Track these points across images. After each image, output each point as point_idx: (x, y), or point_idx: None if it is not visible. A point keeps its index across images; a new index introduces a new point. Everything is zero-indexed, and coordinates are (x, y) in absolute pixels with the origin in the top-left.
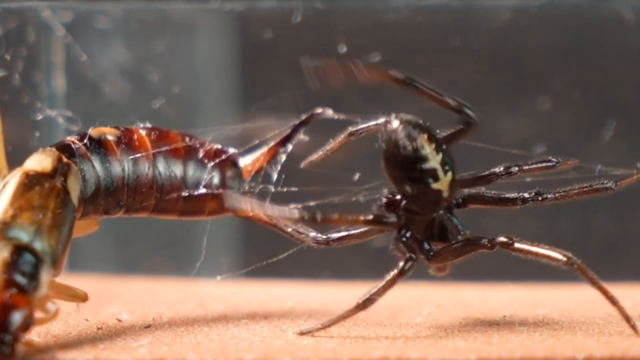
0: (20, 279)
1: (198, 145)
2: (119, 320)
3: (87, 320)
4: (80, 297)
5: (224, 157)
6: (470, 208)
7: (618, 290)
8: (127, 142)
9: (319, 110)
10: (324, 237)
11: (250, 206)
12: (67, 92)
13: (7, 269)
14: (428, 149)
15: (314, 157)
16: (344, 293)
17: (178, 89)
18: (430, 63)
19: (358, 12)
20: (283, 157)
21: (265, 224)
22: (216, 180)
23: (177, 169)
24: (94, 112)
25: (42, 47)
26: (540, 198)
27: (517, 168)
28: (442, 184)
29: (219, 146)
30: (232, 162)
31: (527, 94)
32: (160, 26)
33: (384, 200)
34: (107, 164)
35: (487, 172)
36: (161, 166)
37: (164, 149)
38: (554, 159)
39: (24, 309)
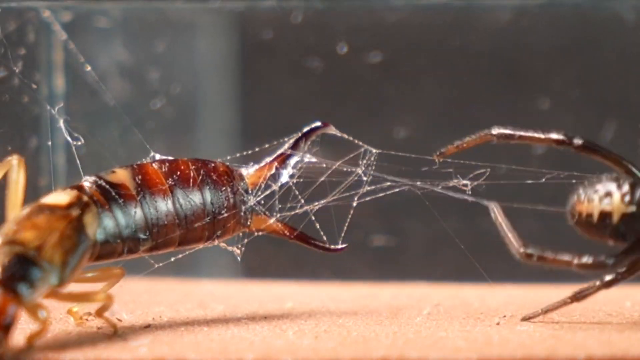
0: (15, 283)
1: (208, 167)
2: (119, 320)
3: (87, 320)
4: (100, 298)
5: (232, 171)
6: None
7: (618, 290)
8: (142, 180)
9: (319, 123)
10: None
11: None
12: (67, 92)
13: (3, 271)
14: (597, 206)
15: (445, 149)
16: (344, 293)
17: (178, 89)
18: (430, 63)
19: (358, 12)
20: (288, 170)
21: (286, 237)
22: (231, 197)
23: (196, 197)
24: (94, 112)
25: (42, 47)
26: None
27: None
28: (619, 209)
29: (222, 162)
30: (239, 175)
31: (527, 94)
32: (160, 26)
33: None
34: (125, 206)
35: None
36: (180, 198)
37: (179, 180)
38: None
39: (9, 309)
